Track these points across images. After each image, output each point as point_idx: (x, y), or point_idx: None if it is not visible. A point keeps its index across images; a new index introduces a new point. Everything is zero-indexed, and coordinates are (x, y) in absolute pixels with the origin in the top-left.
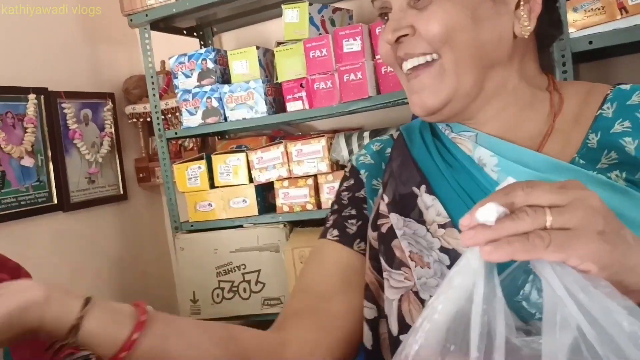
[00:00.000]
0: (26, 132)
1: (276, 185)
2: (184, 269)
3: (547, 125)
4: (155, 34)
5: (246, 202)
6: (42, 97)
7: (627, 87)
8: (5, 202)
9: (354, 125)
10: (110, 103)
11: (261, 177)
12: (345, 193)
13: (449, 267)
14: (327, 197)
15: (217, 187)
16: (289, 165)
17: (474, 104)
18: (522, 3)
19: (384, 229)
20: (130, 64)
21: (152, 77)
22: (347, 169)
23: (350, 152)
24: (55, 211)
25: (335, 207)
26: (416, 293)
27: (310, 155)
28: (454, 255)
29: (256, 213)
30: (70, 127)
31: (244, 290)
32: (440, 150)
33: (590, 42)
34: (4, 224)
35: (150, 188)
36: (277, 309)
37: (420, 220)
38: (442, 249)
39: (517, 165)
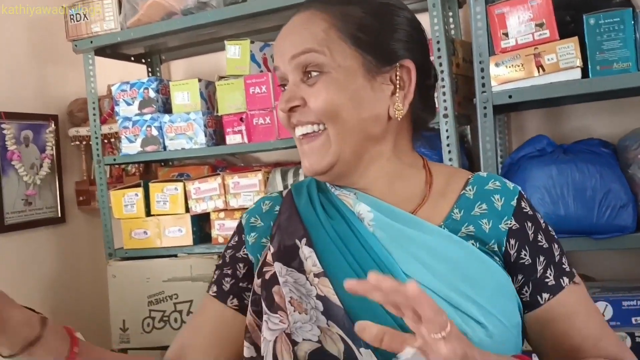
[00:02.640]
0: None
1: (212, 216)
2: (116, 297)
3: (421, 195)
4: (104, 58)
5: (181, 232)
6: None
7: (483, 174)
8: None
9: (295, 160)
10: (53, 125)
11: (197, 208)
12: (229, 251)
13: (323, 313)
14: None
15: (153, 215)
16: (225, 197)
17: (355, 170)
18: (397, 90)
19: (267, 276)
20: (77, 86)
21: (94, 102)
22: (237, 225)
23: (285, 187)
24: None
25: (220, 262)
26: (288, 335)
27: (247, 189)
28: (326, 303)
29: (191, 243)
30: (8, 148)
31: (175, 320)
32: (323, 203)
33: (510, 96)
34: None
35: (90, 212)
36: None
37: (301, 269)
38: (318, 297)
39: (391, 221)
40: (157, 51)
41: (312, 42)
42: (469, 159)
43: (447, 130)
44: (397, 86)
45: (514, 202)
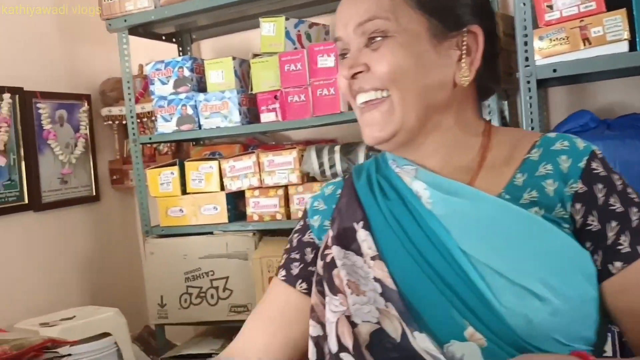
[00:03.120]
0: None
1: (247, 194)
2: (153, 274)
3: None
4: (134, 37)
5: (217, 210)
6: (17, 96)
7: (553, 135)
8: None
9: (327, 137)
10: (87, 105)
11: (232, 186)
12: (296, 235)
13: (381, 295)
14: (297, 207)
15: (189, 193)
16: (260, 175)
17: (417, 138)
18: (463, 56)
19: (328, 259)
20: (108, 66)
21: (128, 81)
22: (303, 210)
23: (321, 165)
24: (26, 211)
25: (288, 246)
26: (348, 317)
27: (282, 167)
28: (383, 285)
29: (226, 220)
30: (44, 128)
31: (212, 296)
32: (381, 184)
33: (555, 70)
34: None
35: (123, 190)
36: (243, 316)
37: (359, 252)
38: (375, 279)
39: (448, 196)
40: (187, 30)
41: (376, 9)
42: None
43: (489, 105)
44: (464, 52)
45: (582, 164)
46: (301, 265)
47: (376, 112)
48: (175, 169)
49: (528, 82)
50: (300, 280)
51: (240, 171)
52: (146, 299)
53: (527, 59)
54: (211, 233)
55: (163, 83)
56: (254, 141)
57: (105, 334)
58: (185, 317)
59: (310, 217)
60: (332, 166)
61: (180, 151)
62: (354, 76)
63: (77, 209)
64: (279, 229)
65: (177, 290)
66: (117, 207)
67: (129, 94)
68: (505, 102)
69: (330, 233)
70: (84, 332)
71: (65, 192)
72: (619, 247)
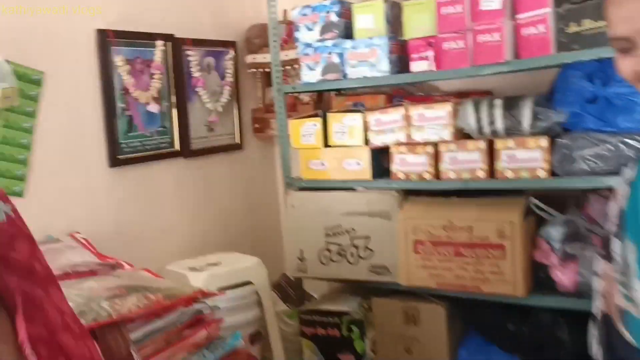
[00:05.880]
0: (153, 79)
1: (393, 149)
2: (293, 227)
3: None
4: None
5: (360, 165)
6: (169, 44)
7: None
8: (131, 145)
9: (482, 88)
10: (233, 52)
11: (377, 140)
12: None
13: None
14: (448, 167)
15: (331, 146)
16: (408, 130)
17: None
18: None
19: None
20: (252, 12)
21: (274, 28)
22: None
23: (478, 121)
24: (177, 157)
25: None
26: None
27: (433, 121)
28: None
29: (369, 177)
30: (194, 75)
31: (352, 255)
32: None
33: None
34: (130, 166)
35: (264, 139)
36: (383, 278)
37: None
38: None
39: None
40: None
41: None
42: None
43: None
44: None
45: None
46: None
47: None
48: (318, 121)
49: None
50: None
51: (387, 125)
52: (283, 250)
53: None
54: (353, 189)
55: (309, 29)
56: (401, 91)
57: (247, 283)
58: (324, 272)
59: None
60: (491, 123)
61: (321, 100)
62: None
63: (221, 156)
64: (426, 189)
65: (317, 245)
66: (258, 156)
67: (274, 40)
68: None
69: None
70: (228, 279)
71: (211, 139)
72: None
